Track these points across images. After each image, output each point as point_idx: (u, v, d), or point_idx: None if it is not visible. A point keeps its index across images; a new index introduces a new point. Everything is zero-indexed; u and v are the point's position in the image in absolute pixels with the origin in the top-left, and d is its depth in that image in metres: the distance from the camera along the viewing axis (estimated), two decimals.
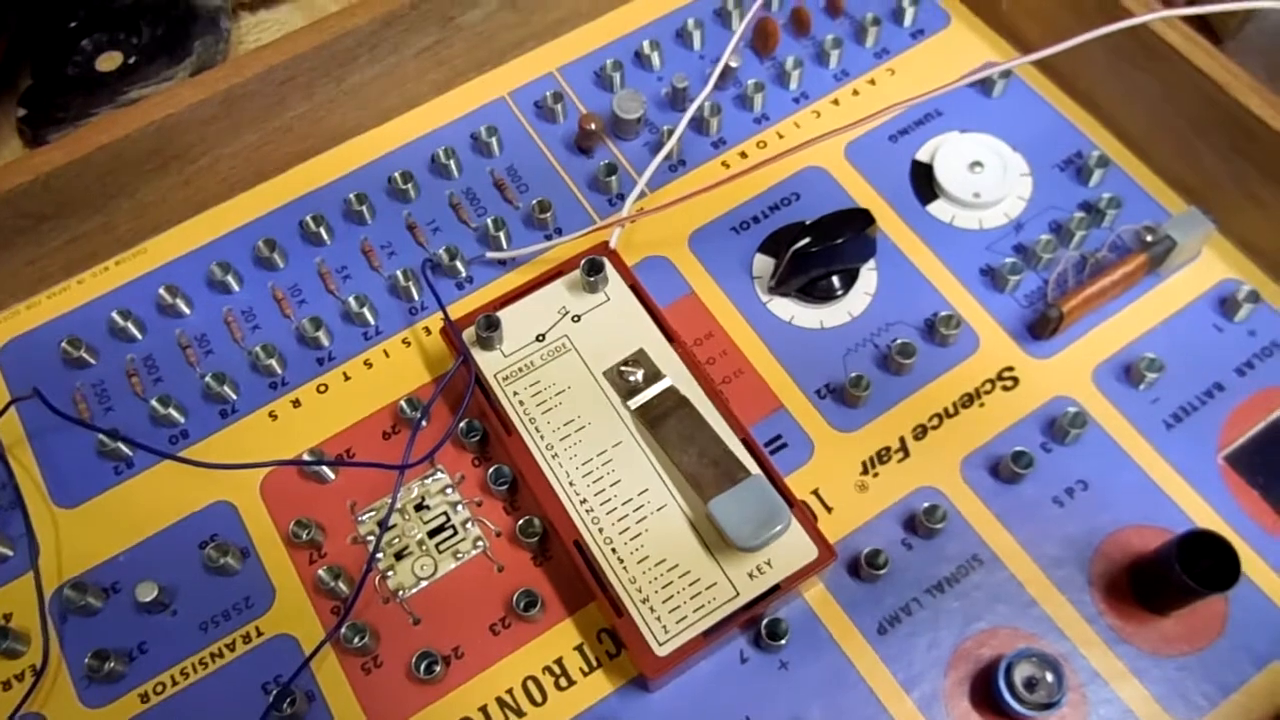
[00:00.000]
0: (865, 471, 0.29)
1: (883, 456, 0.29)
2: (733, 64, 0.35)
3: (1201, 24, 0.38)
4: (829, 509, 0.29)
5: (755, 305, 0.32)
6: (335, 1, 0.42)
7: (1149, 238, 0.32)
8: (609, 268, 0.30)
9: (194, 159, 0.32)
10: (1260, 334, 0.31)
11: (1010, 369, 0.31)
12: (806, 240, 0.30)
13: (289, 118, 0.33)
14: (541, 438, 0.28)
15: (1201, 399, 0.30)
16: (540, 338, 0.29)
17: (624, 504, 0.27)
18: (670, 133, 0.34)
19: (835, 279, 0.32)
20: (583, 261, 0.30)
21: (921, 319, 0.31)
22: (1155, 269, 0.31)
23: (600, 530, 0.26)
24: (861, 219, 0.31)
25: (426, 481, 0.29)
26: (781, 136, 0.35)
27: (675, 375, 0.29)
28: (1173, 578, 0.25)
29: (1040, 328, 0.31)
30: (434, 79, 0.36)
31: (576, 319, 0.30)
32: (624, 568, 0.26)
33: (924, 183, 0.34)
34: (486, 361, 0.29)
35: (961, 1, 0.37)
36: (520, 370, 0.29)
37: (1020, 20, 0.36)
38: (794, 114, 0.35)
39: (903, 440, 0.30)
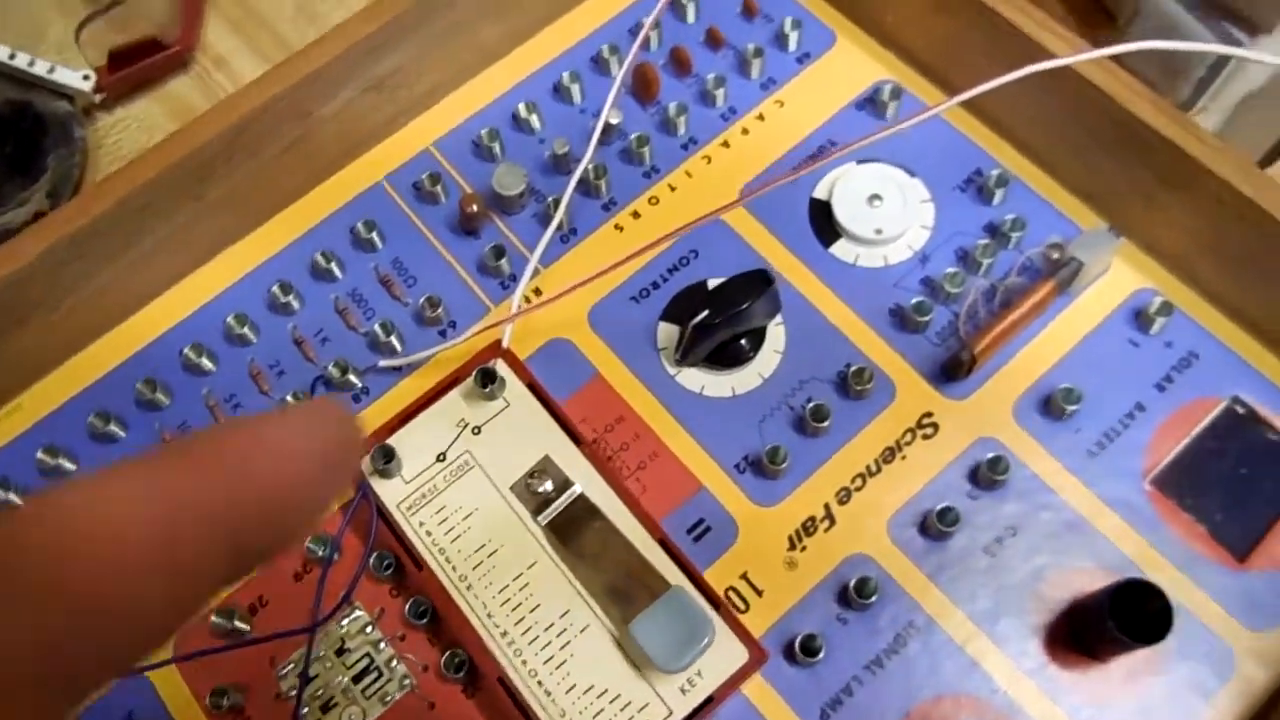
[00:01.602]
0: (792, 546, 0.28)
1: (809, 528, 0.29)
2: (613, 120, 0.33)
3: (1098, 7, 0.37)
4: (759, 592, 0.28)
5: (664, 380, 0.31)
6: (194, 87, 0.39)
7: (1056, 255, 0.31)
8: (504, 371, 0.29)
9: (55, 305, 0.30)
10: (1176, 344, 0.30)
11: (930, 415, 0.30)
12: (706, 313, 0.29)
13: (151, 242, 0.31)
14: (454, 569, 0.27)
15: (1124, 422, 0.29)
16: (441, 457, 0.28)
17: (546, 629, 0.26)
18: (557, 203, 0.32)
19: (743, 341, 0.31)
20: (474, 373, 0.28)
21: (834, 372, 0.31)
22: (1065, 290, 0.31)
23: (524, 663, 0.25)
24: (760, 281, 0.30)
25: (345, 623, 0.28)
26: (674, 189, 0.34)
27: (584, 479, 0.28)
28: (1105, 631, 0.25)
29: (953, 370, 0.30)
30: (304, 173, 0.34)
31: (477, 431, 0.29)
32: (552, 700, 0.25)
33: (824, 222, 0.33)
34: (388, 491, 0.28)
35: (846, 16, 0.36)
36: (424, 496, 0.28)
37: (905, 31, 0.34)
38: (684, 162, 0.34)
39: (827, 508, 0.29)
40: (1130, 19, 0.30)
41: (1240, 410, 0.30)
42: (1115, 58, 0.32)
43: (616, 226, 0.33)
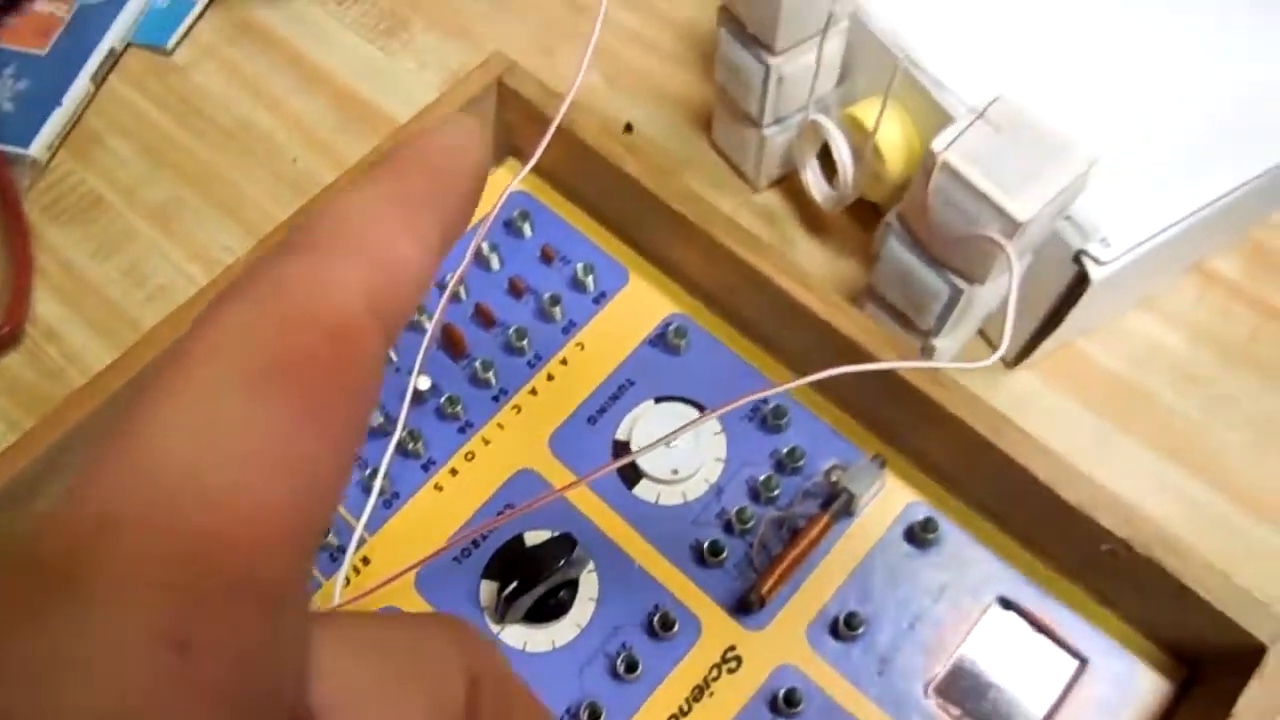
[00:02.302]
0: None
1: None
2: (421, 386, 0.36)
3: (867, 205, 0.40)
4: None
5: (489, 639, 0.33)
6: (27, 363, 0.40)
7: (835, 478, 0.34)
8: None
9: None
10: (947, 553, 0.33)
11: (733, 648, 0.32)
12: (516, 584, 0.32)
13: None
14: None
15: (905, 635, 0.32)
16: None
17: None
18: (375, 473, 0.35)
19: (561, 593, 0.33)
20: None
21: (645, 615, 0.33)
22: (842, 518, 0.34)
23: None
24: (566, 545, 0.32)
25: None
26: (488, 442, 0.36)
27: None
28: None
29: (746, 606, 0.33)
30: None
31: None
32: None
33: (626, 464, 0.35)
34: None
35: (637, 253, 0.39)
36: None
37: (691, 267, 0.37)
38: (496, 414, 0.36)
39: None
40: (874, 261, 0.34)
41: (1009, 610, 0.33)
42: (874, 293, 0.35)
43: (436, 486, 0.35)
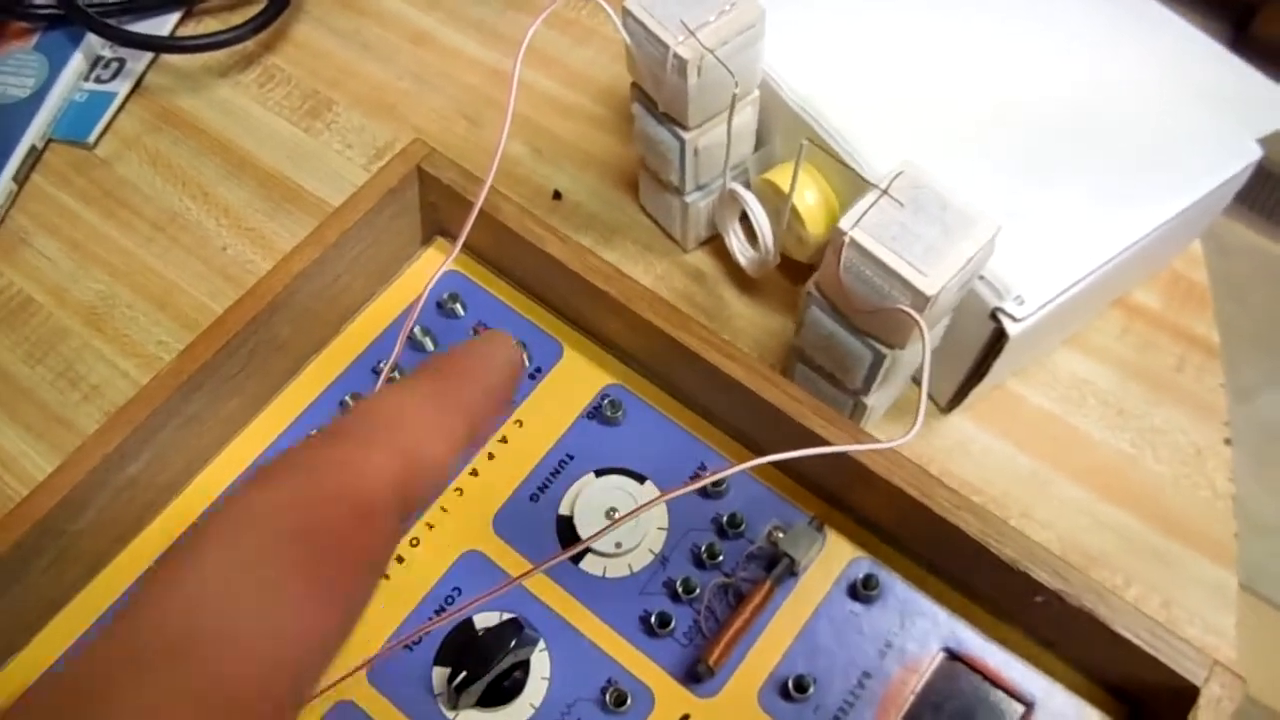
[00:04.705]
0: None
1: None
2: None
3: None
4: None
5: None
6: None
7: (779, 537, 0.34)
8: None
9: None
10: (891, 608, 0.34)
11: (687, 717, 0.33)
12: (464, 674, 0.32)
13: None
14: None
15: (855, 693, 0.33)
16: None
17: None
18: None
19: (515, 673, 0.33)
20: None
21: (598, 690, 0.33)
22: (786, 579, 0.34)
23: None
24: (514, 628, 0.32)
25: None
26: (432, 527, 0.36)
27: None
28: None
29: (697, 675, 0.33)
30: (66, 581, 0.35)
31: None
32: None
33: (571, 539, 0.36)
34: None
35: (571, 327, 0.39)
36: None
37: (624, 339, 0.38)
38: (439, 498, 0.37)
39: None
40: (799, 327, 0.34)
41: (954, 661, 0.33)
42: (801, 353, 0.36)
43: (384, 575, 0.35)
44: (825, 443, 0.32)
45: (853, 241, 0.29)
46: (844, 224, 0.29)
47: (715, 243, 0.43)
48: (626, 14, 0.33)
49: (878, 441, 0.31)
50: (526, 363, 0.21)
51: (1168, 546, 0.36)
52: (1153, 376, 0.39)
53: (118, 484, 0.34)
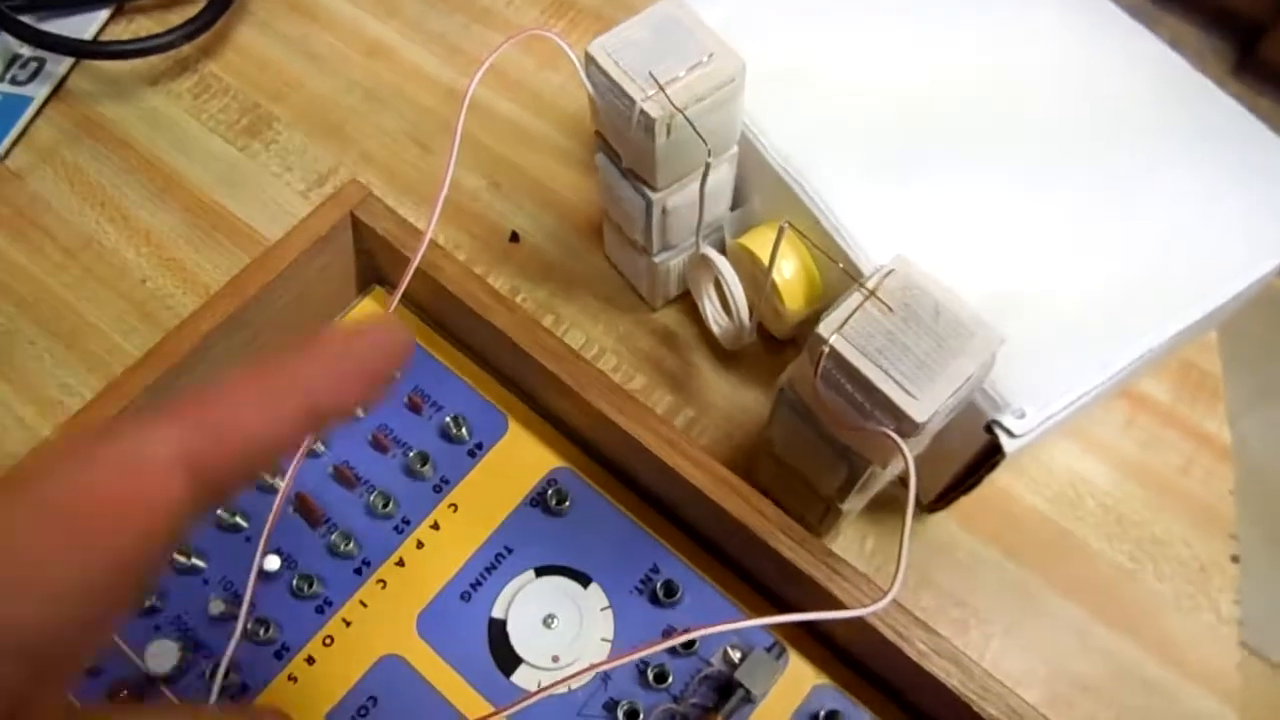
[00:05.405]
0: None
1: None
2: (270, 566, 0.32)
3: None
4: None
5: None
6: None
7: (735, 657, 0.30)
8: None
9: None
10: None
11: None
12: None
13: None
14: None
15: None
16: None
17: None
18: (218, 664, 0.31)
19: None
20: None
21: None
22: (744, 704, 0.30)
23: None
24: None
25: None
26: (349, 624, 0.32)
27: None
28: None
29: None
30: None
31: None
32: None
33: (503, 647, 0.32)
34: None
35: (518, 398, 0.35)
36: None
37: (574, 417, 0.34)
38: (358, 590, 0.32)
39: None
40: (770, 419, 0.30)
41: None
42: (771, 448, 0.32)
43: (290, 678, 0.31)
44: (791, 565, 0.28)
45: (833, 351, 0.25)
46: (823, 329, 0.25)
47: (687, 299, 0.39)
48: (589, 60, 0.29)
49: (847, 609, 0.28)
50: (409, 344, 0.20)
51: (1163, 677, 0.33)
52: (1157, 478, 0.36)
53: None
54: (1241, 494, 0.36)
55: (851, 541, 0.35)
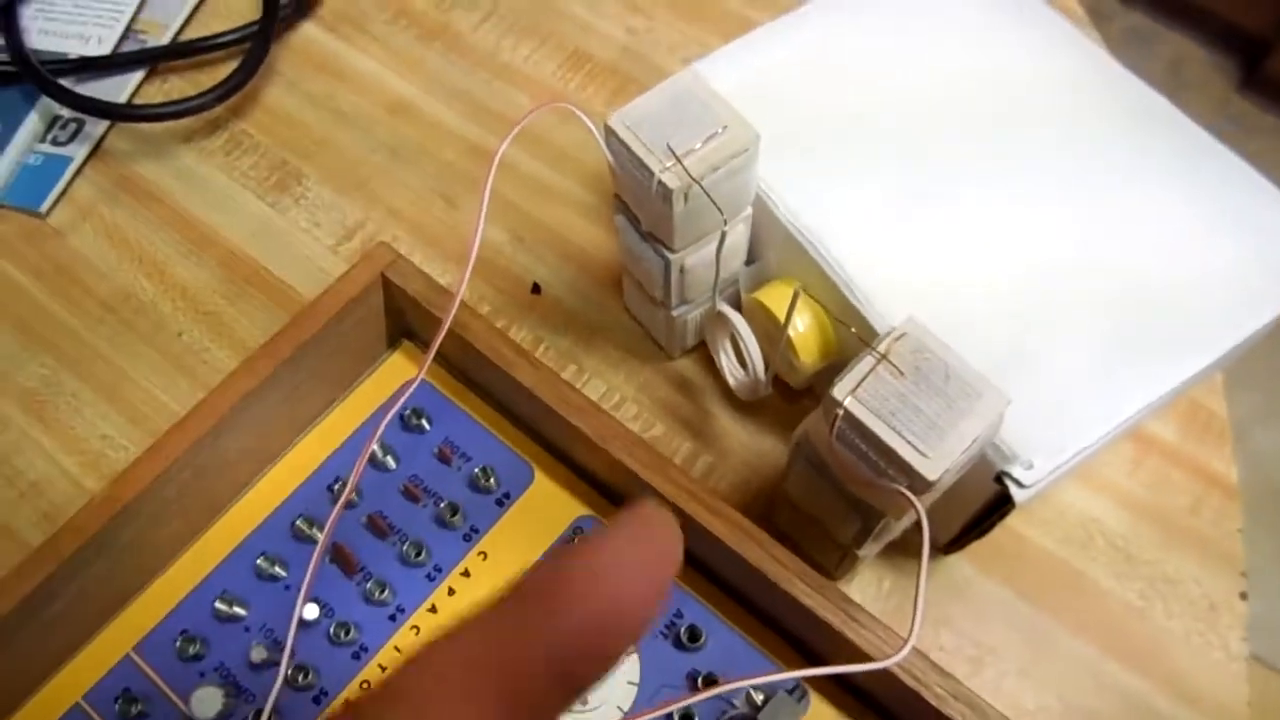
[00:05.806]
0: None
1: None
2: (308, 615, 0.33)
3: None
4: None
5: None
6: None
7: (757, 700, 0.32)
8: None
9: None
10: None
11: None
12: None
13: None
14: None
15: None
16: None
17: None
18: (260, 713, 0.32)
19: None
20: None
21: None
22: None
23: None
24: None
25: None
26: (384, 669, 0.33)
27: None
28: None
29: None
30: None
31: None
32: None
33: None
34: None
35: (544, 449, 0.36)
36: None
37: (597, 464, 0.35)
38: (392, 636, 0.34)
39: None
40: (788, 470, 0.32)
41: None
42: (788, 498, 0.33)
43: None
44: (810, 613, 0.30)
45: (847, 414, 0.26)
46: (838, 393, 0.26)
47: (705, 348, 0.40)
48: (610, 132, 0.30)
49: (867, 661, 0.29)
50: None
51: (1175, 713, 0.34)
52: (1166, 518, 0.37)
53: (39, 625, 0.32)
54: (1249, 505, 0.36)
55: (869, 583, 0.36)
